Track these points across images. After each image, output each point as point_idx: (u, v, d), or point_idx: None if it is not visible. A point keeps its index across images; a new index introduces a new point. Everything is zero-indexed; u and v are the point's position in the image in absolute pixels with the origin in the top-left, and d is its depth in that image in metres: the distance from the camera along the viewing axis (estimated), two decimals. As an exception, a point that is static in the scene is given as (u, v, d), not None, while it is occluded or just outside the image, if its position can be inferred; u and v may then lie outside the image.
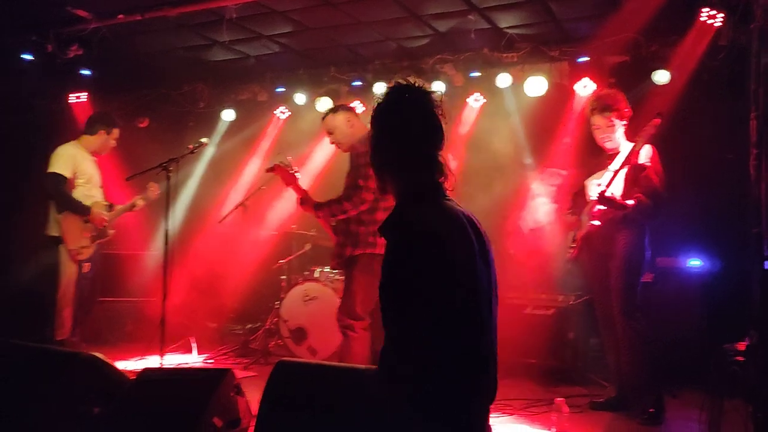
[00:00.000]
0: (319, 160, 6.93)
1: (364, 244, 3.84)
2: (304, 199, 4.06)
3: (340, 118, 4.10)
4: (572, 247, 4.06)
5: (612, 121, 3.96)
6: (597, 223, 3.90)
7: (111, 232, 5.12)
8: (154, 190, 5.11)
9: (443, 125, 1.92)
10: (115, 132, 5.17)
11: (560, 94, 5.84)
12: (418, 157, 1.92)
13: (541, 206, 5.78)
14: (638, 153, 3.77)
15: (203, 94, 7.10)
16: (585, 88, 5.63)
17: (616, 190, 3.82)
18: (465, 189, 6.23)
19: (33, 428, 2.95)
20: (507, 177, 6.27)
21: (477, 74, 6.13)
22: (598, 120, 4.00)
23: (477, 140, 6.30)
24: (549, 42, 5.79)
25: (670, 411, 3.92)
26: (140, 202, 5.18)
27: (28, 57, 6.03)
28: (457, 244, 1.78)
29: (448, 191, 1.95)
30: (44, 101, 6.64)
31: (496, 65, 5.97)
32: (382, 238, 3.74)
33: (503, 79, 5.88)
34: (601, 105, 3.98)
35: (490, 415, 2.08)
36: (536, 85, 5.75)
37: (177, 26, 5.76)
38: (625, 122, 4.01)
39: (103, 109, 6.68)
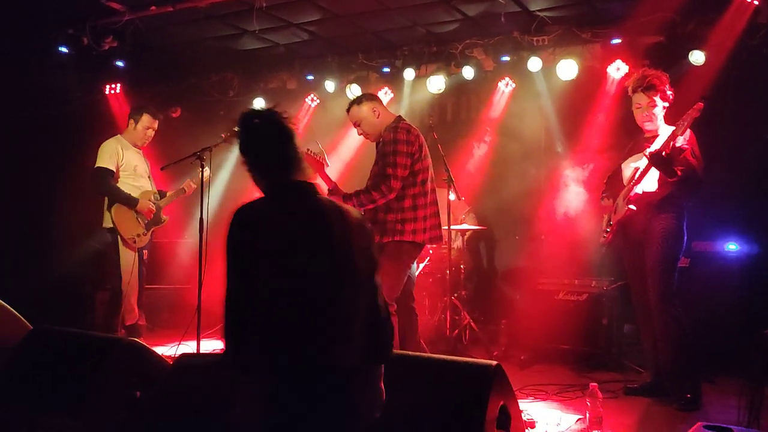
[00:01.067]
0: (349, 148, 6.95)
1: (392, 232, 3.84)
2: (333, 190, 4.06)
3: (366, 109, 4.06)
4: (607, 231, 4.01)
5: (655, 101, 3.87)
6: (633, 207, 3.84)
7: (165, 218, 5.24)
8: (204, 176, 5.17)
9: (293, 135, 2.22)
10: (145, 120, 5.20)
11: (592, 77, 5.75)
12: (265, 165, 2.21)
13: (573, 192, 5.73)
14: (677, 137, 3.70)
15: (233, 83, 7.16)
16: (618, 70, 5.54)
17: (653, 174, 3.76)
18: (496, 173, 6.22)
19: (80, 411, 3.05)
20: (539, 162, 6.23)
21: (507, 58, 6.06)
22: (640, 99, 3.91)
23: (508, 125, 6.25)
24: (581, 24, 5.70)
25: (708, 397, 3.88)
26: (192, 185, 5.24)
27: (64, 50, 6.17)
28: (262, 235, 2.01)
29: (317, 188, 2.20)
30: (80, 93, 6.78)
31: (526, 49, 5.90)
32: (410, 225, 3.72)
33: (534, 63, 5.81)
34: (645, 84, 3.87)
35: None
36: (568, 69, 5.67)
37: (207, 16, 5.82)
38: (667, 104, 3.91)
39: (137, 99, 6.81)
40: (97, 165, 5.06)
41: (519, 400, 3.00)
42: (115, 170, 5.07)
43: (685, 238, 3.87)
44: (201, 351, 4.70)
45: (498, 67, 6.15)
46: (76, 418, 3.08)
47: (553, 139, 6.16)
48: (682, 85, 4.77)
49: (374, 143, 4.12)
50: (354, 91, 6.61)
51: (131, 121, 5.22)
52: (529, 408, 3.69)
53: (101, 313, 6.11)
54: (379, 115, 4.05)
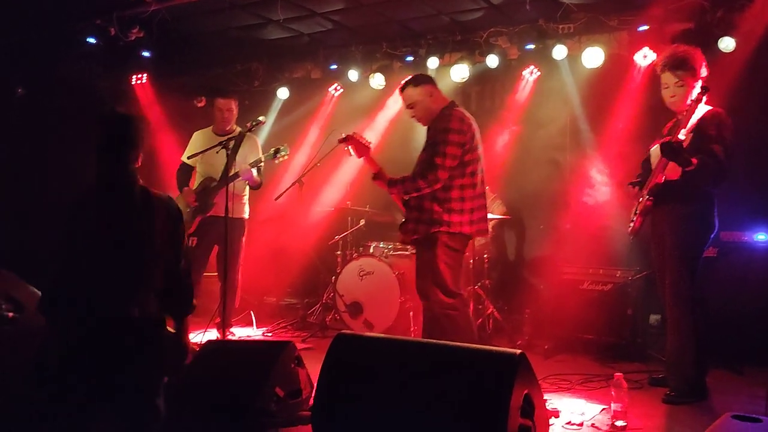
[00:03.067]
0: (373, 137, 6.94)
1: (438, 223, 3.72)
2: (378, 174, 3.91)
3: (422, 91, 3.86)
4: (632, 220, 3.90)
5: (683, 80, 3.68)
6: (651, 198, 3.69)
7: (213, 204, 5.13)
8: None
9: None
10: (217, 104, 5.25)
11: (619, 64, 5.67)
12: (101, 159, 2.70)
13: (598, 181, 5.68)
14: (703, 120, 3.60)
15: (258, 72, 7.21)
16: (645, 58, 5.45)
17: None
18: (521, 162, 6.18)
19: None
20: (563, 150, 6.18)
21: (532, 46, 6.00)
22: (667, 78, 3.73)
23: (532, 114, 6.20)
24: (607, 11, 5.62)
25: (737, 388, 3.85)
26: (245, 167, 5.09)
27: (92, 41, 6.25)
28: (75, 215, 2.62)
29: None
30: (107, 83, 6.87)
31: (551, 37, 5.83)
32: (456, 216, 3.63)
33: (559, 51, 5.75)
34: (673, 62, 3.70)
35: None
36: (594, 56, 5.60)
37: (232, 6, 5.86)
38: (699, 83, 3.69)
39: (162, 89, 6.89)
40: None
41: (542, 390, 3.00)
42: (189, 162, 5.28)
43: (714, 227, 3.71)
44: (226, 337, 4.78)
45: (522, 56, 6.10)
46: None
47: (578, 127, 6.09)
48: (712, 72, 4.69)
49: (411, 127, 3.99)
50: (377, 80, 6.62)
51: (211, 109, 5.35)
52: (553, 397, 3.70)
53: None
54: (435, 99, 3.88)
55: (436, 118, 3.83)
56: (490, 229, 4.03)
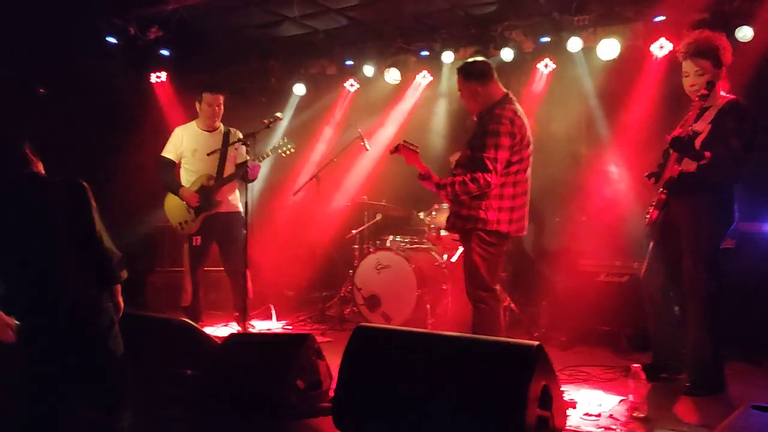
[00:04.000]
0: (389, 132, 7.00)
1: (475, 220, 3.74)
2: (425, 175, 3.89)
3: (470, 83, 3.83)
4: (649, 212, 3.83)
5: (704, 68, 3.61)
6: (665, 191, 3.64)
7: (218, 202, 5.11)
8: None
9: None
10: (205, 98, 5.13)
11: (635, 56, 5.63)
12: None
13: (614, 173, 5.67)
14: (722, 110, 3.56)
15: (274, 69, 7.26)
16: (662, 48, 5.42)
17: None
18: (536, 155, 6.16)
19: (135, 388, 3.19)
20: (579, 142, 6.17)
21: (547, 39, 5.99)
22: (688, 66, 3.67)
23: (547, 106, 6.20)
24: (622, 2, 5.57)
25: (755, 380, 3.84)
26: (253, 163, 5.02)
27: (111, 40, 6.34)
28: None
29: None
30: (127, 82, 6.96)
31: (566, 29, 5.81)
32: (493, 214, 3.72)
33: (574, 43, 5.73)
34: (694, 49, 3.63)
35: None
36: (609, 48, 5.57)
37: (248, 3, 5.91)
38: (720, 72, 3.64)
39: (181, 87, 6.96)
40: (161, 154, 5.21)
41: (560, 381, 3.03)
42: (173, 158, 5.15)
43: (732, 219, 3.65)
44: (248, 331, 4.85)
45: (537, 49, 6.08)
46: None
47: (594, 120, 6.08)
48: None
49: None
50: (392, 75, 6.64)
51: (197, 104, 5.21)
52: (571, 389, 3.72)
53: (151, 295, 6.35)
54: (488, 88, 3.82)
55: (488, 112, 3.78)
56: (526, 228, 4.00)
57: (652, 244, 3.99)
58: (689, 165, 3.59)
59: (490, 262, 3.78)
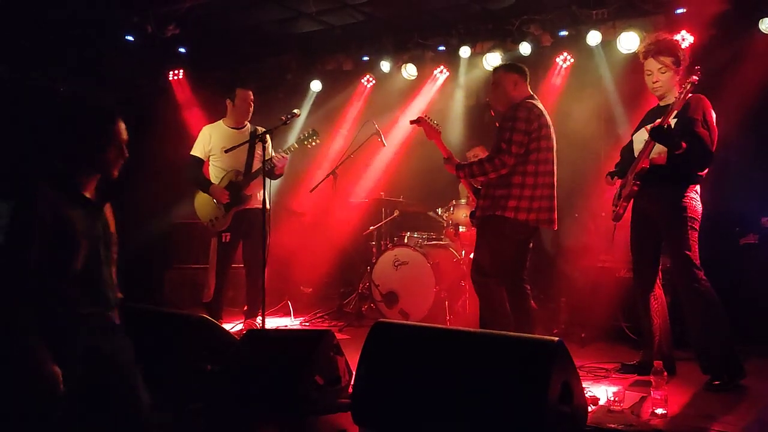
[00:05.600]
0: (404, 128, 6.97)
1: (495, 207, 3.89)
2: (448, 159, 4.14)
3: (507, 78, 4.04)
4: (615, 206, 3.85)
5: (666, 66, 3.71)
6: (638, 183, 3.66)
7: (247, 197, 5.11)
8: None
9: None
10: (239, 95, 5.16)
11: (655, 49, 5.57)
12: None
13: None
14: (687, 105, 3.57)
15: (291, 66, 7.28)
16: (683, 41, 5.34)
17: (660, 145, 3.60)
18: (555, 150, 6.12)
19: (155, 384, 3.22)
20: (599, 137, 6.11)
21: (565, 33, 5.94)
22: (651, 64, 3.75)
23: (567, 100, 6.14)
24: (642, -6, 5.53)
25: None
26: (280, 156, 5.05)
27: (130, 38, 6.39)
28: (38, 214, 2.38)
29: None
30: (145, 79, 7.02)
31: (585, 22, 5.77)
32: (513, 201, 3.81)
33: (593, 37, 5.68)
34: (656, 48, 3.73)
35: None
36: (629, 41, 5.50)
37: (264, 0, 5.92)
38: (680, 69, 3.73)
39: (198, 84, 7.00)
40: (190, 153, 5.25)
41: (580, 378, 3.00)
42: (203, 156, 5.18)
43: (699, 207, 3.69)
44: (266, 327, 4.87)
45: (556, 43, 6.04)
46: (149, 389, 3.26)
47: (613, 114, 6.02)
48: (753, 54, 4.59)
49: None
50: (409, 70, 6.63)
51: (228, 102, 5.21)
52: (591, 385, 3.69)
53: (170, 292, 6.39)
54: (516, 90, 4.02)
55: (510, 107, 3.97)
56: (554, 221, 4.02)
57: (633, 236, 3.98)
58: (659, 157, 3.64)
59: (496, 252, 3.88)
